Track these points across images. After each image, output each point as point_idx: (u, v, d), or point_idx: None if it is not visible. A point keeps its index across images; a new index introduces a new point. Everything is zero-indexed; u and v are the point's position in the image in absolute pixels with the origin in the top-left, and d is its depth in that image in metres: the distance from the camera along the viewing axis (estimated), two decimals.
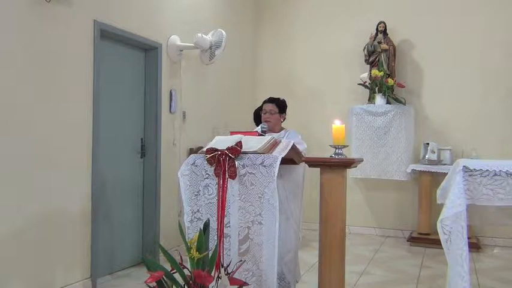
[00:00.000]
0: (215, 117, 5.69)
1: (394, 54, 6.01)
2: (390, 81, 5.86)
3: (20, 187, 3.24)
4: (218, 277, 2.38)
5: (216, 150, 2.59)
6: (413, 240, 5.69)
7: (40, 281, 3.41)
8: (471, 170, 2.26)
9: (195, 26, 5.15)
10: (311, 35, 6.65)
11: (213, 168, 2.58)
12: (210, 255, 2.37)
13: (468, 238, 2.23)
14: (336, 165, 2.75)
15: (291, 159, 2.80)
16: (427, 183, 5.72)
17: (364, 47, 6.07)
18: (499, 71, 5.73)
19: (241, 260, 2.49)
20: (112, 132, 4.23)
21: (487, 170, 2.24)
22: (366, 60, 6.09)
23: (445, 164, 5.62)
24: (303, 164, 3.11)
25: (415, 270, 4.57)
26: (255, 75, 6.93)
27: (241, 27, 6.45)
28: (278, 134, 3.54)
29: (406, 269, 4.63)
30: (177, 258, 2.35)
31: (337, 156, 2.79)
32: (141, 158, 4.65)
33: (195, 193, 2.63)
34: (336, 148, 2.81)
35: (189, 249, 2.30)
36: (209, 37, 4.94)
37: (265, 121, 3.55)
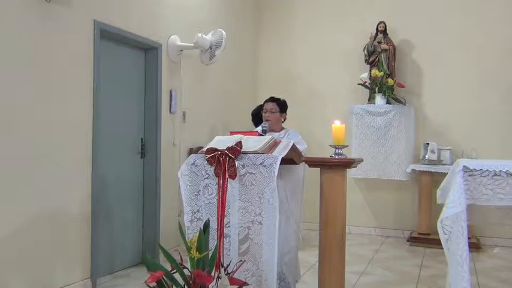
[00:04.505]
0: (215, 117, 5.69)
1: (394, 54, 6.01)
2: (390, 81, 5.86)
3: (20, 187, 3.24)
4: (218, 277, 2.38)
5: (216, 150, 2.59)
6: (413, 240, 5.69)
7: (40, 281, 3.41)
8: (471, 170, 2.26)
9: (195, 26, 5.15)
10: (311, 35, 6.65)
11: (213, 168, 2.58)
12: (210, 255, 2.37)
13: (468, 238, 2.23)
14: (336, 165, 2.75)
15: (291, 159, 2.80)
16: (427, 183, 5.72)
17: (364, 47, 6.07)
18: (499, 70, 5.73)
19: (241, 260, 2.49)
20: (112, 132, 4.23)
21: (487, 170, 2.25)
22: (366, 60, 6.09)
23: (445, 164, 5.62)
24: (303, 164, 3.11)
25: (415, 270, 4.57)
26: (255, 75, 6.93)
27: (241, 27, 6.45)
28: (278, 133, 3.55)
29: (406, 269, 4.62)
30: (177, 258, 2.35)
31: (337, 156, 2.79)
32: (141, 158, 4.65)
33: (195, 193, 2.63)
34: (336, 148, 2.81)
35: (189, 249, 2.30)
36: (209, 37, 4.94)
37: (266, 120, 3.58)
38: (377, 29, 6.04)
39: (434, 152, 5.68)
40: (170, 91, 4.86)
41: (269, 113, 3.62)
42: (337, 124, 2.83)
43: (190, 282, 2.25)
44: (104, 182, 4.10)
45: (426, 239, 5.56)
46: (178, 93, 4.96)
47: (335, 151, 2.81)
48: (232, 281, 2.34)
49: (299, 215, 3.34)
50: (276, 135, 3.33)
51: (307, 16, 6.69)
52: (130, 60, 4.51)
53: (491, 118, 5.75)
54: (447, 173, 2.54)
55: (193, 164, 2.65)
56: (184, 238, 2.46)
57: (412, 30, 6.12)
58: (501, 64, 5.71)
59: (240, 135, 2.78)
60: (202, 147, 2.84)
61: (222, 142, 2.66)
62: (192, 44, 4.90)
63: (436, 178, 5.49)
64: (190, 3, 5.22)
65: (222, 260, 2.49)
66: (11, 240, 3.18)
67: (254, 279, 2.50)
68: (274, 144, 2.70)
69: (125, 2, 4.23)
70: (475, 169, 2.25)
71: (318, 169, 2.82)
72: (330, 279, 2.72)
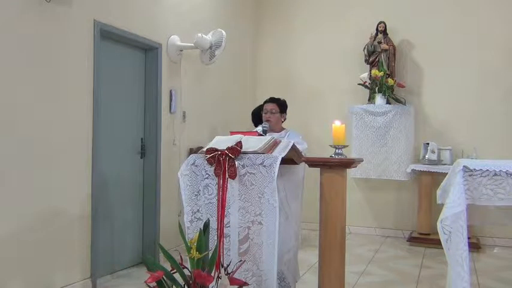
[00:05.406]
0: (215, 117, 5.68)
1: (394, 54, 6.01)
2: (390, 81, 5.86)
3: (20, 187, 3.24)
4: (218, 277, 2.38)
5: (216, 150, 2.58)
6: (413, 240, 5.69)
7: (40, 281, 3.41)
8: (471, 170, 2.26)
9: (195, 26, 5.15)
10: (311, 35, 6.65)
11: (213, 168, 2.57)
12: (210, 255, 2.37)
13: (468, 238, 2.23)
14: (335, 165, 2.75)
15: (291, 159, 2.80)
16: (427, 183, 5.72)
17: (364, 47, 6.07)
18: (498, 71, 5.73)
19: (241, 260, 2.49)
20: (112, 132, 4.23)
21: (487, 170, 2.25)
22: (366, 60, 6.09)
23: (445, 164, 5.62)
24: (303, 164, 3.11)
25: (415, 270, 4.57)
26: (255, 75, 6.93)
27: (241, 27, 6.45)
28: (279, 134, 3.55)
29: (406, 269, 4.63)
30: (177, 258, 2.35)
31: (337, 156, 2.79)
32: (141, 158, 4.64)
33: (195, 193, 2.63)
34: (336, 148, 2.81)
35: (189, 249, 2.30)
36: (209, 37, 4.93)
37: (267, 120, 3.58)
38: (377, 29, 6.04)
39: (434, 152, 5.69)
40: (170, 91, 4.86)
41: (269, 113, 3.62)
42: (337, 124, 2.83)
43: (190, 282, 2.25)
44: (104, 182, 4.10)
45: (426, 239, 5.56)
46: (178, 93, 4.96)
47: (335, 151, 2.81)
48: (232, 281, 2.34)
49: (299, 215, 3.33)
50: (276, 135, 3.33)
51: (307, 16, 6.69)
52: (130, 60, 4.51)
53: (491, 118, 5.75)
54: (447, 173, 2.54)
55: (193, 164, 2.65)
56: (184, 238, 2.46)
57: (412, 30, 6.12)
58: (501, 64, 5.71)
59: (240, 135, 2.78)
60: (202, 147, 2.84)
61: (222, 142, 2.65)
62: (192, 44, 4.90)
63: (436, 178, 5.49)
64: (190, 3, 5.22)
65: (222, 260, 2.49)
66: (11, 240, 3.18)
67: (254, 279, 2.50)
68: (274, 144, 2.70)
69: (125, 2, 4.23)
70: (475, 169, 2.26)
71: (318, 169, 2.82)
72: (330, 279, 2.72)
